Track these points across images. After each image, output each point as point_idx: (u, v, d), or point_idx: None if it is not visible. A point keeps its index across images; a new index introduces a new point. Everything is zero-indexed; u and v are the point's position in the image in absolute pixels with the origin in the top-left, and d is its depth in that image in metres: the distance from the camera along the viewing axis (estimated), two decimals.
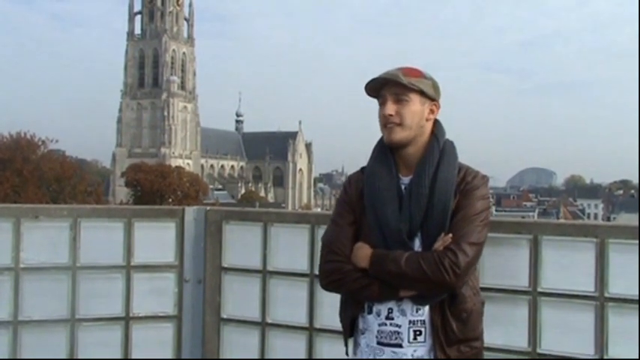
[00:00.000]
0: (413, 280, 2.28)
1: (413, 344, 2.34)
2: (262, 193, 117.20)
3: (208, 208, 3.75)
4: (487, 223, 2.39)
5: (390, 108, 2.40)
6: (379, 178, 2.42)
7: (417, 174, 2.40)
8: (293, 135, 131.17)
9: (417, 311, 2.35)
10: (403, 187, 2.42)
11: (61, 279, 3.52)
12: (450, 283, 2.26)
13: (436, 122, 2.48)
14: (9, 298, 3.45)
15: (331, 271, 2.43)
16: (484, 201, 2.40)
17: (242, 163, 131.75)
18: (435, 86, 2.46)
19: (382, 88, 2.42)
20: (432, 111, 2.45)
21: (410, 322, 2.35)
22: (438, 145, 2.43)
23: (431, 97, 2.43)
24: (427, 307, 2.35)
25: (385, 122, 2.42)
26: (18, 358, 3.46)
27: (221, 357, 3.62)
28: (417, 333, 2.34)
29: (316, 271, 3.34)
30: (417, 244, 2.36)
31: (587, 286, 2.89)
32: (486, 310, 2.51)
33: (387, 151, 2.45)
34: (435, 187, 2.35)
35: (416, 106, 2.40)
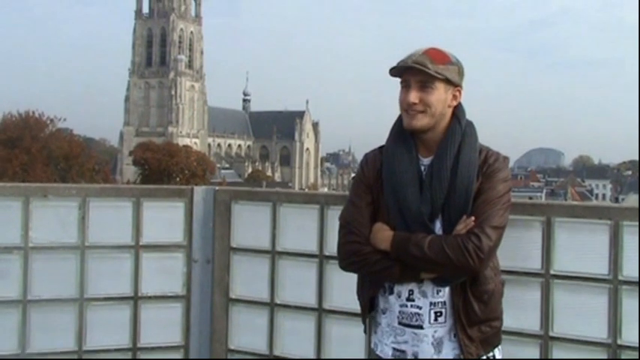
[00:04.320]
0: (436, 264, 2.27)
1: (434, 325, 2.35)
2: (269, 173, 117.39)
3: (217, 187, 3.73)
4: (509, 206, 2.38)
5: (414, 96, 2.34)
6: (399, 159, 2.39)
7: (438, 156, 2.36)
8: (300, 114, 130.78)
9: (437, 293, 2.34)
10: (423, 168, 2.38)
11: (70, 258, 3.51)
12: (473, 267, 2.25)
13: (458, 104, 2.43)
14: (18, 277, 3.45)
15: (352, 253, 2.40)
16: (506, 183, 2.38)
17: (249, 143, 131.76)
18: (460, 71, 2.41)
19: (406, 72, 2.36)
20: (454, 97, 2.40)
21: (431, 303, 2.35)
22: (460, 127, 2.39)
23: (455, 83, 2.39)
24: (447, 289, 2.34)
25: (407, 109, 2.37)
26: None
27: (229, 337, 3.61)
28: (438, 314, 2.35)
29: (326, 252, 3.34)
30: (437, 227, 2.34)
31: (601, 268, 2.86)
32: None
33: (406, 132, 2.41)
34: (458, 169, 2.32)
35: (440, 94, 2.35)
